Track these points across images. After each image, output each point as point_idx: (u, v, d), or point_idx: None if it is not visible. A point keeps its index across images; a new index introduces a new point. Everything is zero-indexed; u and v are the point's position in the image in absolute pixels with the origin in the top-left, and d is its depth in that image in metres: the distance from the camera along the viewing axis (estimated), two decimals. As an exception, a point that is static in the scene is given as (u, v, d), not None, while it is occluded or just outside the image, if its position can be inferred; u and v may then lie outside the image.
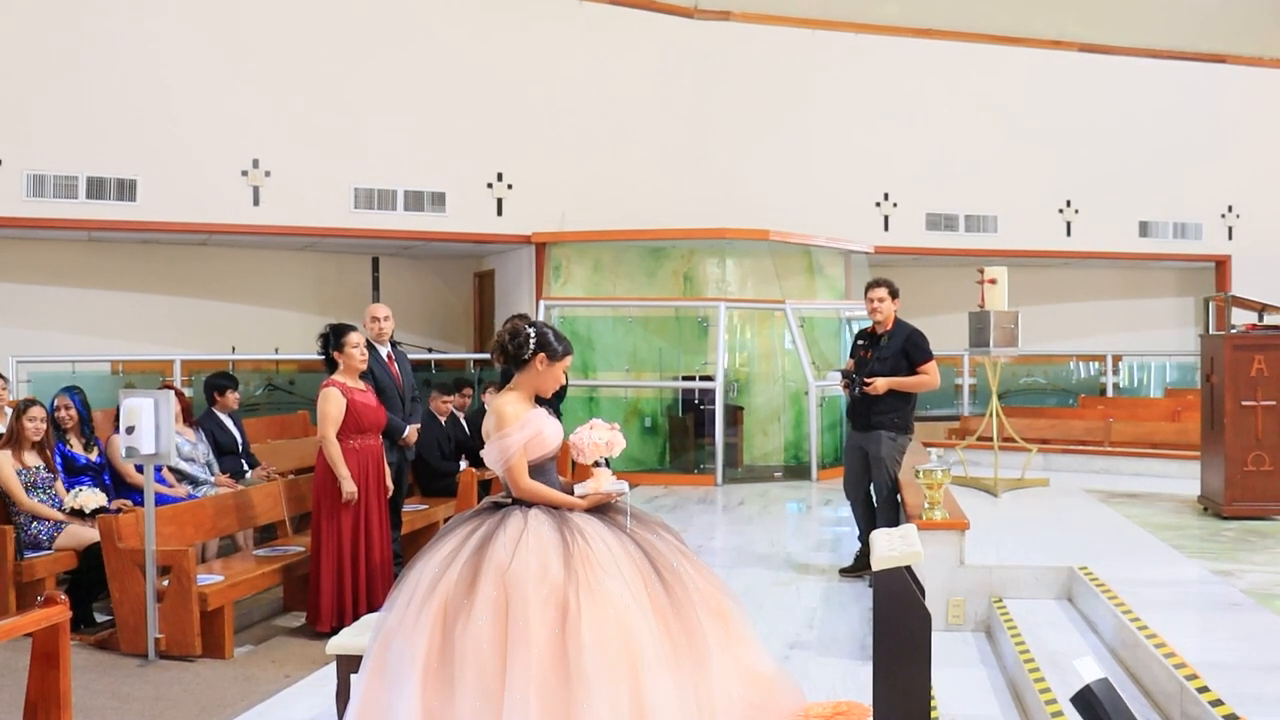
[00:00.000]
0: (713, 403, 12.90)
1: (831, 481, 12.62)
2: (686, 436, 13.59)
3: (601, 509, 4.30)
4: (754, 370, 14.23)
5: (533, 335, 4.32)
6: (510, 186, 13.76)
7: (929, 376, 7.66)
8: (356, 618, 5.87)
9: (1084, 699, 2.50)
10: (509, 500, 4.26)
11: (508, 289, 14.76)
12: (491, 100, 13.63)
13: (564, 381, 4.51)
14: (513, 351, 4.33)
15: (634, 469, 13.07)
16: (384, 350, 7.49)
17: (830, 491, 12.00)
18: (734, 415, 13.49)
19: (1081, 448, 12.19)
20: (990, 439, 10.18)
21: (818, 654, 6.01)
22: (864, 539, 7.78)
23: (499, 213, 13.78)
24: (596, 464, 4.45)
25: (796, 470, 13.46)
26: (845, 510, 10.30)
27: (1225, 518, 8.07)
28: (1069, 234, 16.47)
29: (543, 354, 4.32)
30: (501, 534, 4.02)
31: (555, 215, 13.88)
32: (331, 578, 6.56)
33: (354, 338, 6.69)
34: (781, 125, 15.14)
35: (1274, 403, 8.11)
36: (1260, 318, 8.50)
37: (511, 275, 14.60)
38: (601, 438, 4.40)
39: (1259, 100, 16.98)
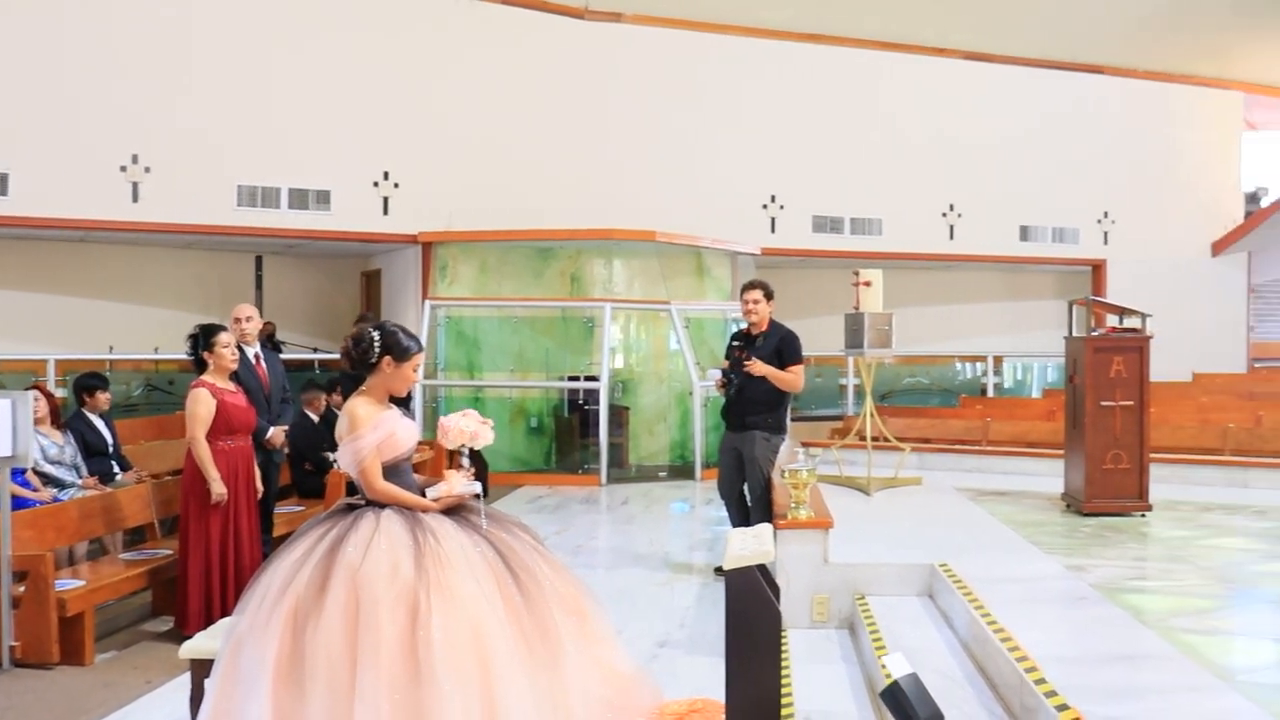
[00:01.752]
0: (598, 403, 12.96)
1: (715, 481, 12.75)
2: (572, 437, 13.62)
3: (457, 509, 4.30)
4: (640, 371, 14.31)
5: (377, 338, 4.31)
6: (397, 185, 13.68)
7: (795, 377, 7.77)
8: (227, 622, 5.80)
9: (892, 694, 2.58)
10: (363, 502, 4.25)
11: (394, 288, 14.66)
12: (378, 98, 13.54)
13: (415, 379, 4.50)
14: (358, 356, 4.31)
15: (519, 469, 13.09)
16: (250, 351, 7.39)
17: (714, 491, 12.09)
18: (619, 415, 13.55)
19: (960, 447, 12.47)
20: (865, 438, 10.34)
21: (686, 652, 6.06)
22: (738, 538, 7.85)
23: (385, 212, 13.68)
24: (460, 452, 4.45)
25: (681, 470, 13.57)
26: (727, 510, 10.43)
27: (1085, 514, 8.32)
28: (952, 237, 16.80)
29: (389, 356, 4.31)
30: (353, 535, 4.01)
31: (442, 215, 13.82)
32: (199, 581, 6.46)
33: (224, 338, 6.60)
34: (671, 127, 15.24)
35: (1132, 403, 8.39)
36: (1120, 320, 8.76)
37: (398, 275, 14.50)
38: (469, 426, 4.41)
39: (1134, 110, 17.52)
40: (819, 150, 15.93)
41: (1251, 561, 6.71)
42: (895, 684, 2.60)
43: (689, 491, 12.41)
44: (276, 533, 7.58)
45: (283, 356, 8.86)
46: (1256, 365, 18.31)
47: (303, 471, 9.26)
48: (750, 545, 4.50)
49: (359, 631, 3.76)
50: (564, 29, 14.73)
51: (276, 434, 7.37)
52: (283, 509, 8.44)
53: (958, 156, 16.66)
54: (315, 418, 9.63)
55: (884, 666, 4.99)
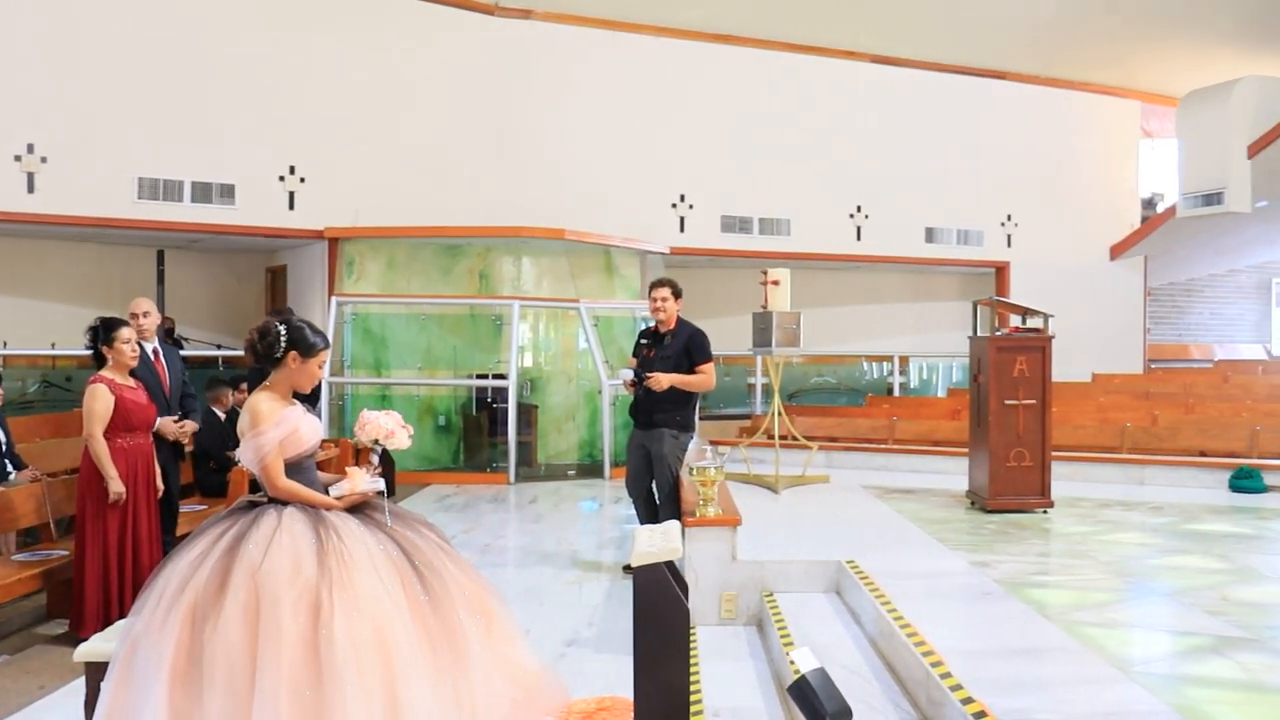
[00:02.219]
0: (506, 401, 12.88)
1: (624, 479, 12.75)
2: (480, 435, 13.54)
3: (361, 507, 4.24)
4: (548, 369, 14.24)
5: (284, 332, 4.22)
6: (303, 180, 13.45)
7: (707, 377, 7.78)
8: (126, 623, 5.64)
9: (799, 689, 2.58)
10: (264, 499, 4.16)
11: (300, 285, 14.43)
12: (284, 91, 13.31)
13: (320, 376, 4.42)
14: (263, 350, 4.22)
15: (427, 468, 12.96)
16: (149, 347, 7.21)
17: (622, 489, 12.09)
18: (528, 414, 13.49)
19: (867, 445, 12.60)
20: (773, 437, 10.40)
21: (594, 650, 6.03)
22: (647, 535, 7.84)
23: (291, 207, 13.45)
24: (372, 448, 4.39)
25: (590, 468, 13.54)
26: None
27: (989, 511, 8.46)
28: (859, 238, 16.95)
29: (295, 350, 4.22)
30: (254, 533, 3.92)
31: (349, 210, 13.63)
32: (97, 582, 6.29)
33: (125, 333, 6.42)
34: (582, 125, 15.18)
35: (1034, 402, 8.54)
36: (1023, 321, 8.91)
37: (304, 271, 14.28)
38: (386, 423, 4.36)
39: (1036, 116, 17.84)
40: (728, 150, 15.98)
41: (1148, 556, 6.85)
42: (803, 679, 2.59)
43: (598, 490, 12.38)
44: (179, 531, 7.42)
45: (185, 353, 8.68)
46: (1153, 366, 18.76)
47: (207, 470, 9.07)
48: (658, 542, 4.48)
49: (260, 631, 3.68)
50: (474, 25, 14.60)
51: (165, 423, 7.16)
52: (185, 508, 8.25)
53: (865, 158, 16.81)
54: (221, 415, 9.44)
55: (791, 662, 5.02)
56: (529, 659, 4.40)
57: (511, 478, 12.68)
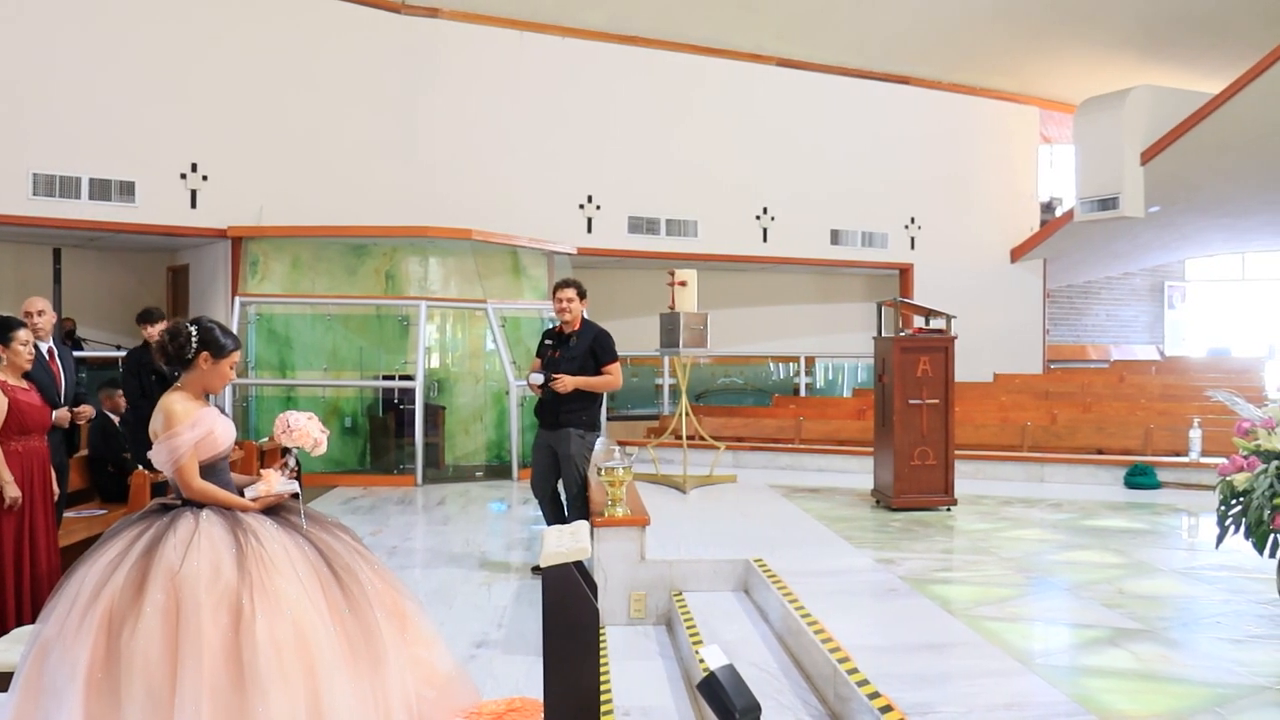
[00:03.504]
0: (413, 402, 12.78)
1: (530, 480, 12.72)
2: (387, 436, 13.41)
3: (275, 509, 4.19)
4: (456, 370, 14.16)
5: (194, 334, 4.17)
6: (205, 178, 13.22)
7: (613, 377, 7.80)
8: (22, 632, 5.49)
9: (709, 686, 2.59)
10: (179, 502, 4.09)
11: (203, 284, 14.17)
12: (187, 87, 13.06)
13: (232, 377, 4.36)
14: (174, 352, 4.17)
15: (333, 469, 12.82)
16: (44, 347, 7.04)
17: (530, 490, 12.06)
18: (435, 415, 13.39)
19: (774, 445, 12.68)
20: (681, 437, 10.44)
21: (504, 652, 6.00)
22: (554, 536, 7.83)
23: (193, 205, 13.20)
24: (285, 452, 4.34)
25: (498, 469, 13.49)
26: (543, 509, 10.39)
27: (894, 509, 8.57)
28: (765, 240, 17.08)
29: (206, 352, 4.17)
30: (171, 536, 3.87)
31: (253, 209, 13.42)
32: (-7, 589, 6.12)
33: (23, 334, 6.24)
34: (489, 125, 15.10)
35: (937, 401, 8.66)
36: (927, 322, 9.03)
37: (207, 270, 14.03)
38: (314, 431, 4.33)
39: (939, 121, 18.13)
40: (636, 152, 16.02)
41: (1048, 551, 6.99)
42: (712, 675, 2.61)
43: (506, 491, 12.33)
44: (74, 539, 7.24)
45: (83, 354, 8.48)
46: (1052, 366, 19.16)
47: (105, 473, 8.85)
48: (567, 542, 4.47)
49: (179, 635, 3.64)
50: (380, 22, 14.46)
51: (63, 413, 6.98)
52: (82, 513, 8.06)
53: (771, 161, 16.95)
54: (115, 418, 9.21)
55: (701, 660, 5.04)
56: (442, 660, 4.39)
57: (419, 479, 12.59)
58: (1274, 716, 3.72)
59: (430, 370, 13.44)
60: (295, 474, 4.35)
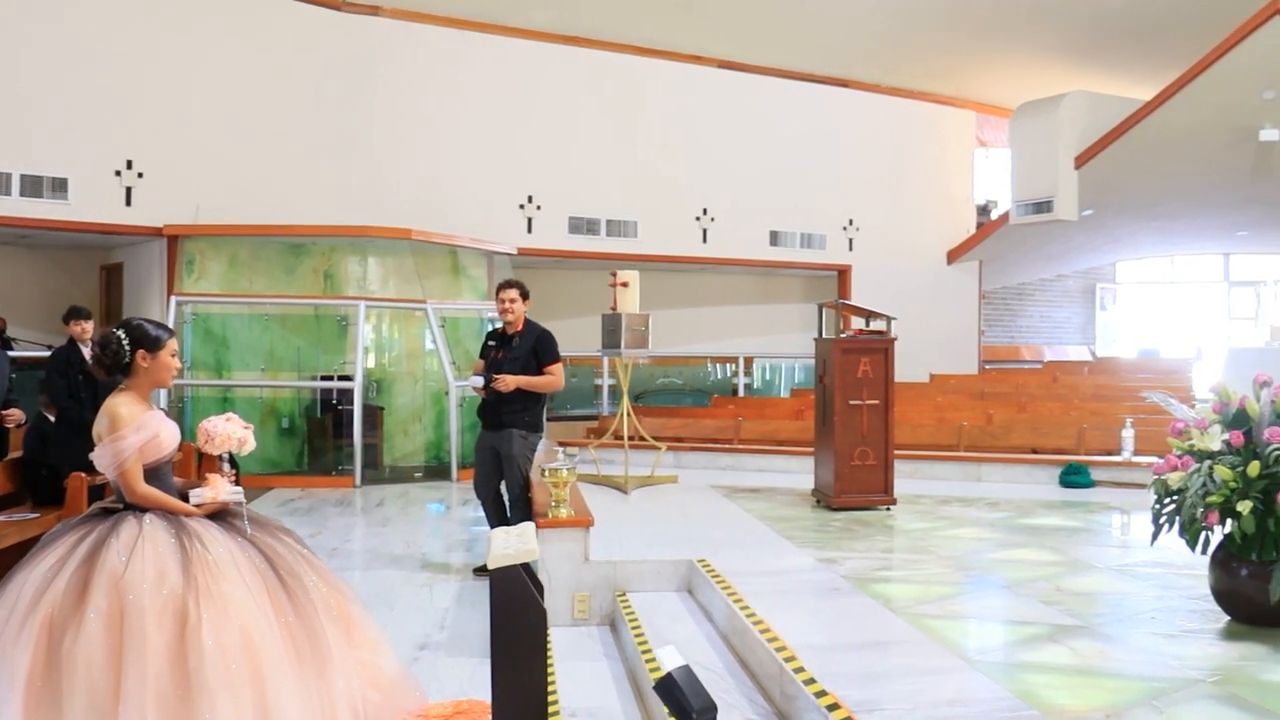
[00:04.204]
0: (352, 403, 12.69)
1: (472, 481, 12.67)
2: (325, 437, 13.30)
3: (220, 514, 4.16)
4: (395, 370, 14.08)
5: (124, 336, 4.13)
6: (141, 175, 13.03)
7: (555, 377, 7.82)
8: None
9: (665, 686, 2.61)
10: (121, 506, 4.04)
11: (138, 283, 13.97)
12: (123, 83, 12.87)
13: (176, 365, 4.32)
14: (111, 361, 4.13)
15: (270, 471, 12.71)
16: (-24, 346, 6.93)
17: (470, 491, 12.00)
18: (374, 416, 13.31)
19: (713, 445, 12.74)
20: (622, 438, 10.46)
21: (447, 654, 5.99)
22: (497, 538, 7.83)
23: (128, 202, 13.02)
24: (221, 458, 4.30)
25: (437, 470, 13.43)
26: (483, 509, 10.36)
27: (835, 509, 8.64)
28: (705, 241, 17.13)
29: (141, 349, 4.13)
30: (114, 541, 3.82)
31: (190, 207, 13.25)
32: (-82, 594, 5.99)
33: (-48, 335, 6.15)
34: (429, 124, 15.02)
35: (878, 402, 8.75)
36: (867, 323, 9.12)
37: (142, 269, 13.83)
38: (236, 432, 4.29)
39: (878, 123, 18.30)
40: (577, 152, 16.01)
41: (986, 550, 7.09)
42: (669, 676, 2.63)
43: (445, 492, 12.29)
44: (7, 543, 7.11)
45: (15, 354, 8.33)
46: (987, 367, 19.40)
47: (39, 477, 8.69)
48: (514, 544, 4.46)
49: (123, 642, 3.59)
50: (321, 20, 14.34)
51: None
52: (14, 516, 7.91)
53: (712, 162, 17.01)
54: (51, 418, 9.05)
55: (647, 662, 5.07)
56: (388, 663, 4.37)
57: (357, 481, 12.51)
58: (1207, 708, 3.81)
59: (369, 370, 13.37)
60: (235, 477, 4.33)
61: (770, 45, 16.98)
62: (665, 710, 4.39)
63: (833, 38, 16.95)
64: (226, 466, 4.31)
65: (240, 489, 4.27)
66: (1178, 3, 15.79)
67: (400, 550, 8.87)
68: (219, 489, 4.16)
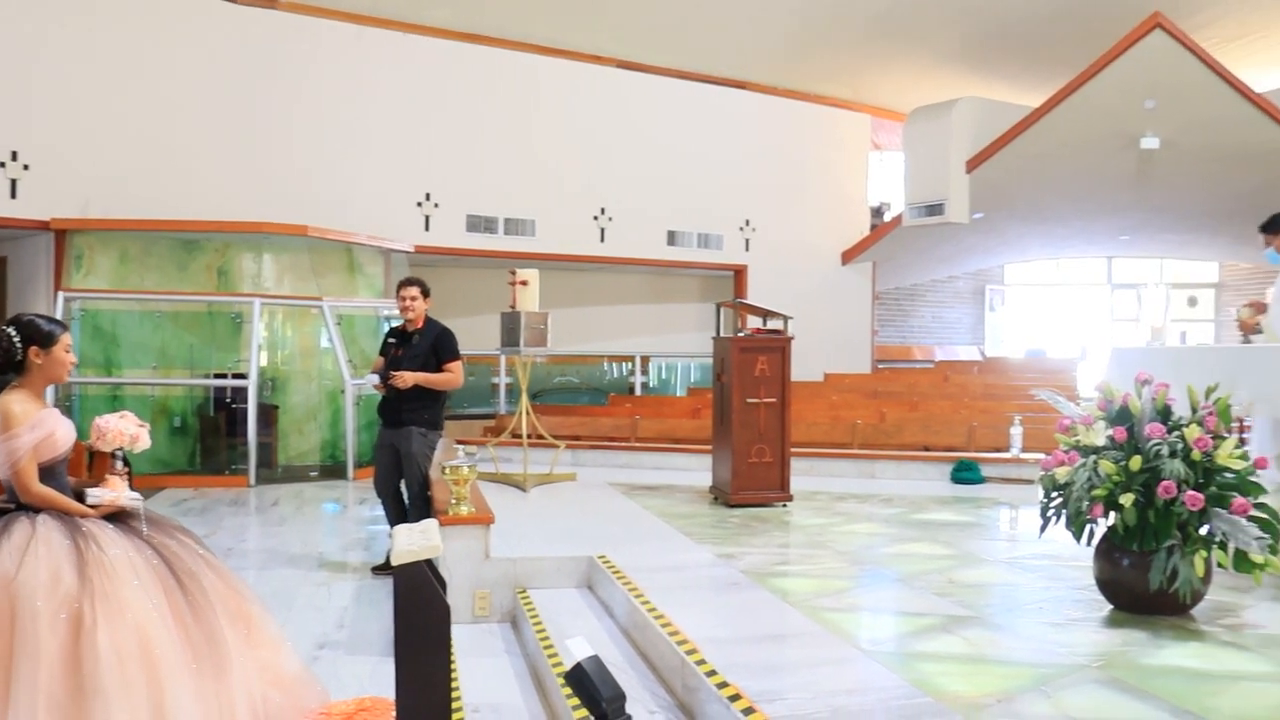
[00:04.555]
0: (246, 401, 12.50)
1: (368, 480, 12.52)
2: (218, 436, 13.08)
3: (116, 514, 4.09)
4: (290, 368, 13.89)
5: (14, 333, 4.04)
6: (26, 167, 12.68)
7: (454, 375, 7.82)
8: None
9: (575, 675, 2.65)
10: (12, 506, 3.96)
11: (22, 280, 13.58)
12: (7, 72, 12.49)
13: (72, 359, 4.24)
14: (2, 359, 4.03)
15: (162, 471, 12.47)
16: None
17: (366, 490, 11.92)
18: (268, 414, 13.12)
19: (611, 444, 12.78)
20: (522, 436, 10.47)
21: (347, 653, 5.96)
22: (395, 535, 7.82)
23: (13, 195, 12.65)
24: (114, 455, 4.24)
25: (333, 469, 13.29)
26: (380, 508, 10.29)
27: (732, 506, 8.74)
28: (603, 240, 17.16)
29: (34, 345, 4.04)
30: (5, 542, 3.74)
31: (79, 200, 12.92)
32: None
33: None
34: (326, 119, 14.81)
35: (775, 400, 8.87)
36: (764, 322, 9.24)
37: (26, 264, 13.44)
38: (129, 429, 4.23)
39: (775, 125, 18.49)
40: (475, 150, 15.93)
41: (881, 544, 7.23)
42: (579, 666, 2.67)
43: (341, 491, 12.17)
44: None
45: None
46: (880, 366, 19.75)
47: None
48: (417, 540, 4.46)
49: (14, 646, 3.52)
50: (216, 11, 14.04)
51: None
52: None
53: (610, 162, 17.05)
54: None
55: (550, 658, 5.10)
56: (289, 662, 4.34)
57: (251, 480, 12.32)
58: (1092, 691, 3.95)
59: (263, 369, 13.16)
60: (127, 475, 4.27)
61: (670, 47, 17.09)
62: (569, 705, 4.44)
63: (731, 40, 17.12)
64: (119, 464, 4.24)
65: (139, 495, 4.21)
66: (1066, 14, 16.24)
67: (297, 550, 8.77)
68: (118, 491, 4.10)
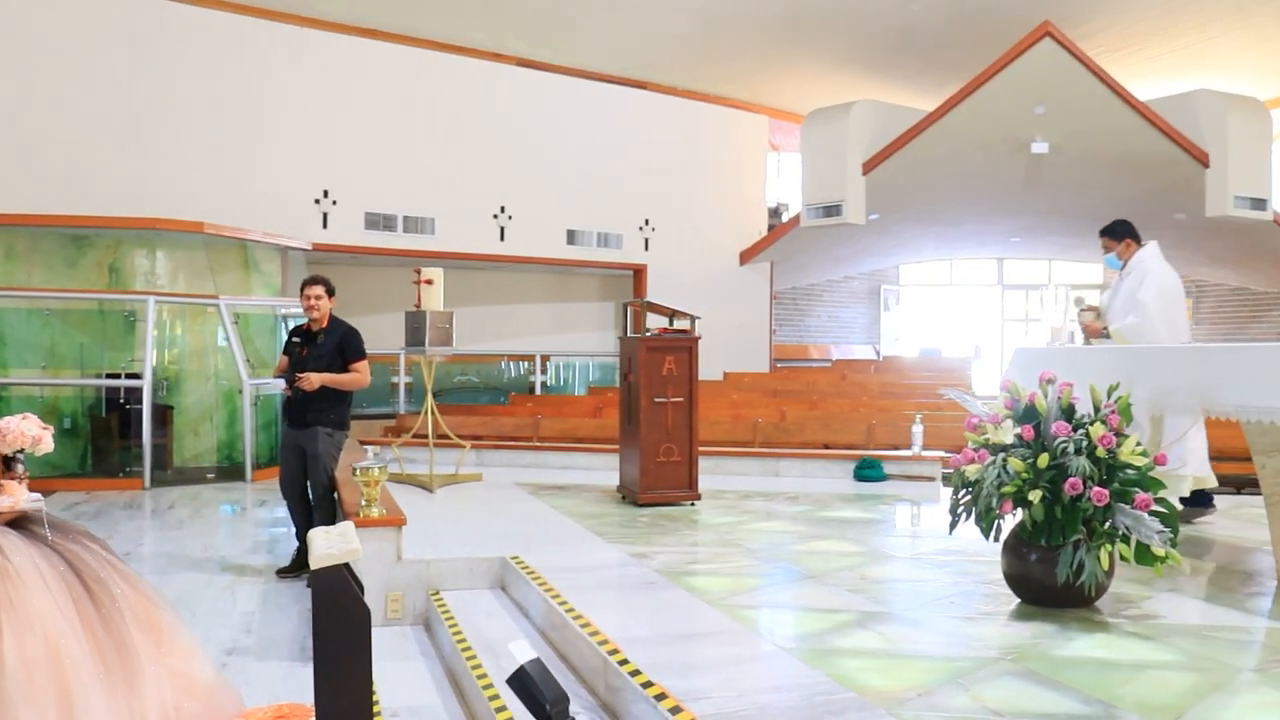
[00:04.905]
0: (140, 402, 12.21)
1: (267, 482, 12.38)
2: (111, 438, 12.75)
3: (18, 521, 3.97)
4: (185, 368, 13.59)
5: None
6: (-97, 160, 12.27)
7: (361, 375, 7.79)
8: None
9: (519, 679, 2.64)
10: (-94, 516, 3.83)
11: (-101, 276, 13.12)
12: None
13: None
14: None
15: (52, 474, 12.13)
16: None
17: (266, 492, 11.77)
18: (163, 415, 12.83)
19: (514, 443, 12.76)
20: (426, 436, 10.40)
21: (257, 658, 5.86)
22: (302, 538, 7.73)
23: (-111, 189, 12.24)
24: (14, 458, 4.12)
25: (230, 471, 13.04)
26: (282, 510, 10.13)
27: (641, 505, 8.78)
28: (503, 239, 17.10)
29: None
30: None
31: (-41, 193, 12.54)
32: None
33: None
34: (221, 114, 14.52)
35: (682, 399, 8.93)
36: (671, 322, 9.29)
37: (-97, 260, 13.00)
38: (31, 430, 4.13)
39: (674, 125, 18.59)
40: (374, 147, 15.76)
41: (791, 542, 7.31)
42: (521, 669, 2.66)
43: (240, 493, 11.94)
44: None
45: None
46: (779, 365, 19.96)
47: None
48: (336, 544, 4.41)
49: None
50: (107, 2, 13.73)
51: None
52: None
53: (510, 160, 16.99)
54: None
55: (468, 660, 5.07)
56: (202, 670, 4.26)
57: (146, 483, 12.04)
58: (1007, 683, 4.03)
59: (158, 368, 12.86)
60: (25, 478, 4.16)
61: (570, 45, 17.09)
62: (492, 707, 4.43)
63: (632, 41, 17.17)
64: (20, 468, 4.14)
65: (41, 498, 4.10)
66: (960, 20, 16.58)
67: (198, 553, 8.59)
68: (17, 496, 3.99)
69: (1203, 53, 17.48)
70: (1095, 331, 7.86)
